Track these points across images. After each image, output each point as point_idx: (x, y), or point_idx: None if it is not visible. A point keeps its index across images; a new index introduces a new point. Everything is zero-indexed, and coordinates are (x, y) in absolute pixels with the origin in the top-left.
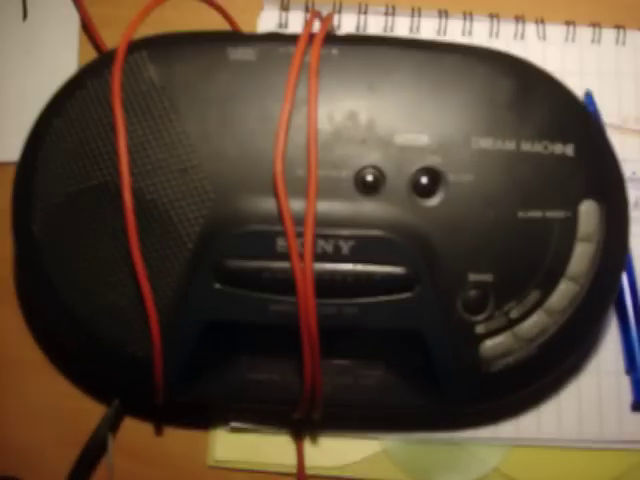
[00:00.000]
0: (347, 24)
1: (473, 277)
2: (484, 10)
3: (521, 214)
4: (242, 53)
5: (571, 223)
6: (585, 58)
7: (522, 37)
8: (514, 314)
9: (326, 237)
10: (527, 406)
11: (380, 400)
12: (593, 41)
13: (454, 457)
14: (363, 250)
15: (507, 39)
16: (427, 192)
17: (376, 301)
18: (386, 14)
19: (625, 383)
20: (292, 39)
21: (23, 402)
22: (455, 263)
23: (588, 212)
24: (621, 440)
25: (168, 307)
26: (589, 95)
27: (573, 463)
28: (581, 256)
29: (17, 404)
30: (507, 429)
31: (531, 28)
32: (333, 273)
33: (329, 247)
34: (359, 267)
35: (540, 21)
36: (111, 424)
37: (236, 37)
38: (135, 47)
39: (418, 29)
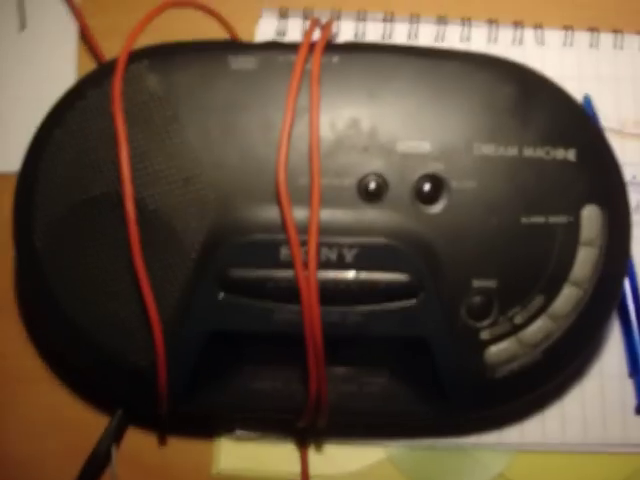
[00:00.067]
0: (346, 31)
1: (477, 283)
2: (482, 16)
3: (524, 220)
4: (243, 62)
5: (574, 228)
6: (583, 63)
7: (520, 42)
8: (518, 320)
9: (330, 245)
10: (531, 411)
11: (385, 407)
12: (591, 46)
13: (459, 463)
14: (367, 258)
15: (505, 44)
16: (430, 199)
17: (380, 309)
18: (384, 21)
19: (629, 386)
20: (293, 47)
21: (24, 413)
22: (459, 269)
23: (590, 217)
24: (626, 444)
25: (171, 317)
26: (588, 99)
27: (578, 468)
28: (584, 261)
29: (18, 416)
30: (511, 434)
31: (529, 33)
32: (337, 281)
33: (333, 255)
34: (363, 275)
35: (538, 26)
36: (115, 435)
37: (237, 46)
38: (135, 57)
39: (416, 35)
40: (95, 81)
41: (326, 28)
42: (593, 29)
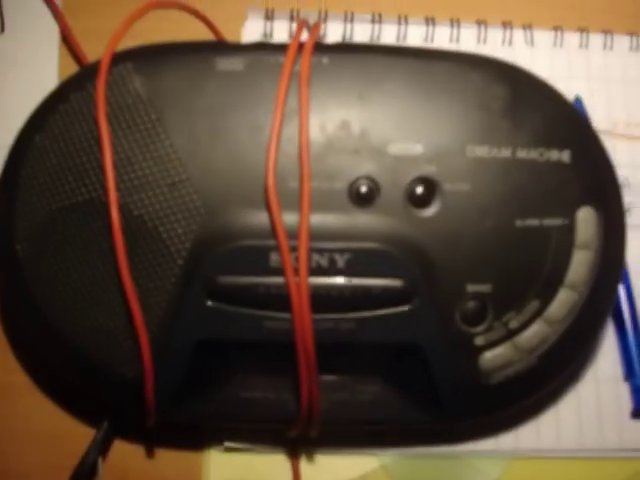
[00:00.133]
0: (333, 33)
1: (471, 288)
2: (471, 17)
3: (519, 222)
4: (230, 63)
5: (569, 230)
6: (573, 63)
7: (510, 43)
8: (513, 324)
9: (321, 251)
10: (526, 417)
11: (378, 416)
12: (581, 46)
13: (454, 471)
14: (359, 263)
15: (495, 45)
16: (423, 202)
17: (373, 315)
18: (372, 22)
19: (624, 390)
20: (281, 48)
21: (8, 427)
22: (453, 274)
23: (586, 219)
24: (622, 448)
25: (158, 326)
26: (579, 100)
27: (574, 473)
28: (580, 264)
29: (1, 429)
30: (507, 441)
31: (519, 34)
32: (329, 288)
33: (324, 261)
34: (355, 281)
35: (527, 27)
36: (101, 447)
37: (223, 47)
38: (119, 58)
39: (405, 37)
40: (78, 84)
41: (315, 28)
42: (583, 30)
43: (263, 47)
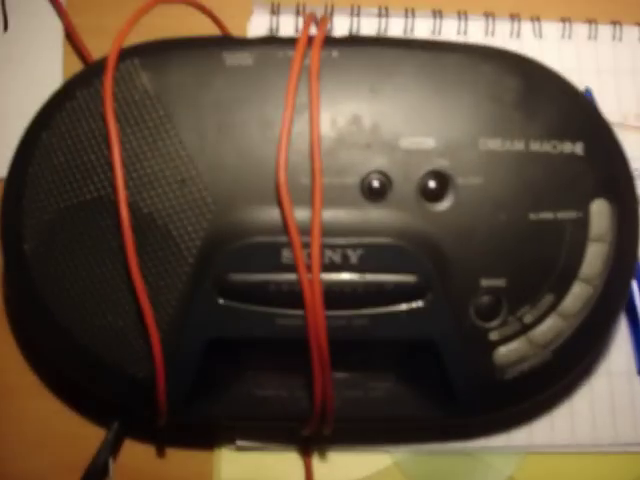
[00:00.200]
0: (339, 27)
1: (485, 282)
2: (479, 9)
3: (532, 216)
4: (239, 58)
5: (583, 223)
6: (582, 55)
7: (518, 35)
8: (528, 319)
9: (333, 247)
10: (539, 412)
11: (392, 412)
12: (589, 37)
13: (468, 468)
14: (372, 259)
15: (503, 37)
16: (435, 196)
17: (387, 311)
18: (379, 16)
19: (637, 384)
20: (290, 42)
21: (17, 429)
22: (467, 269)
23: (600, 211)
24: (636, 442)
25: (169, 325)
26: (588, 92)
27: (588, 468)
28: (594, 257)
29: (11, 431)
30: (520, 437)
31: (527, 26)
32: (342, 284)
33: (337, 257)
34: (368, 277)
35: (535, 19)
36: (112, 448)
37: (232, 42)
38: (126, 55)
39: (412, 30)
40: (84, 81)
41: (323, 21)
42: (591, 21)
43: (271, 41)
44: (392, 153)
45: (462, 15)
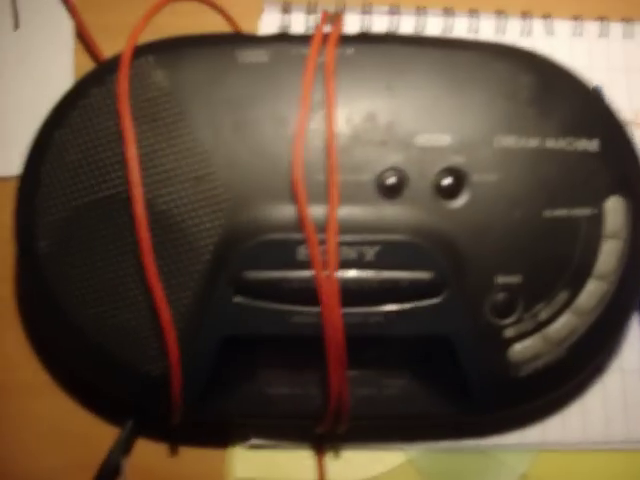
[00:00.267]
0: (351, 25)
1: (501, 279)
2: (490, 7)
3: (547, 213)
4: (253, 55)
5: (598, 220)
6: (594, 52)
7: (529, 33)
8: (543, 316)
9: (349, 244)
10: (552, 410)
11: (406, 410)
12: (601, 35)
13: (481, 465)
14: (388, 256)
15: (514, 35)
16: (451, 193)
17: (402, 308)
18: (390, 14)
19: None
20: (304, 39)
21: (30, 428)
22: (482, 266)
23: (614, 208)
24: None
25: (184, 323)
26: (599, 90)
27: (600, 465)
28: (609, 254)
29: (23, 430)
30: (533, 434)
31: (538, 24)
32: (358, 281)
33: (353, 254)
34: (384, 274)
35: (547, 16)
36: (125, 447)
37: (246, 39)
38: (140, 52)
39: (423, 28)
40: (98, 79)
41: (338, 18)
42: (602, 18)
43: (286, 39)
44: (407, 150)
45: (473, 13)
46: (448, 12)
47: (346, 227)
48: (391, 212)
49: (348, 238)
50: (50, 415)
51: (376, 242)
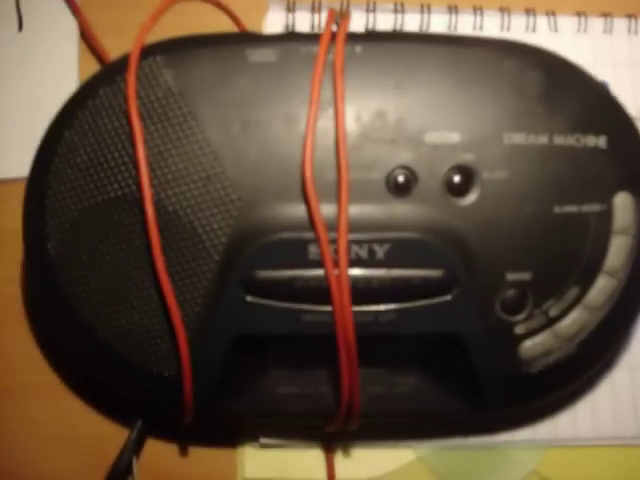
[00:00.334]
0: (355, 23)
1: (511, 276)
2: (494, 4)
3: (557, 209)
4: (262, 54)
5: (607, 216)
6: (598, 49)
7: (534, 30)
8: (553, 312)
9: (360, 242)
10: (562, 406)
11: (417, 408)
12: (605, 31)
13: (491, 462)
14: (399, 254)
15: (518, 32)
16: (461, 191)
17: (413, 306)
18: (395, 11)
19: None
20: (312, 38)
21: (41, 429)
22: (493, 263)
23: (624, 204)
24: None
25: (196, 323)
26: (605, 86)
27: (610, 461)
28: (618, 250)
29: (31, 432)
30: (543, 430)
31: (542, 20)
32: (369, 279)
33: (363, 252)
34: (395, 272)
35: (551, 13)
36: (135, 447)
37: (254, 38)
38: (148, 52)
39: (428, 26)
40: (107, 78)
41: (345, 17)
42: (606, 14)
43: (293, 37)
44: (417, 148)
45: (478, 10)
46: (452, 9)
47: (356, 225)
48: (401, 210)
49: (359, 236)
50: (60, 416)
51: (387, 240)
